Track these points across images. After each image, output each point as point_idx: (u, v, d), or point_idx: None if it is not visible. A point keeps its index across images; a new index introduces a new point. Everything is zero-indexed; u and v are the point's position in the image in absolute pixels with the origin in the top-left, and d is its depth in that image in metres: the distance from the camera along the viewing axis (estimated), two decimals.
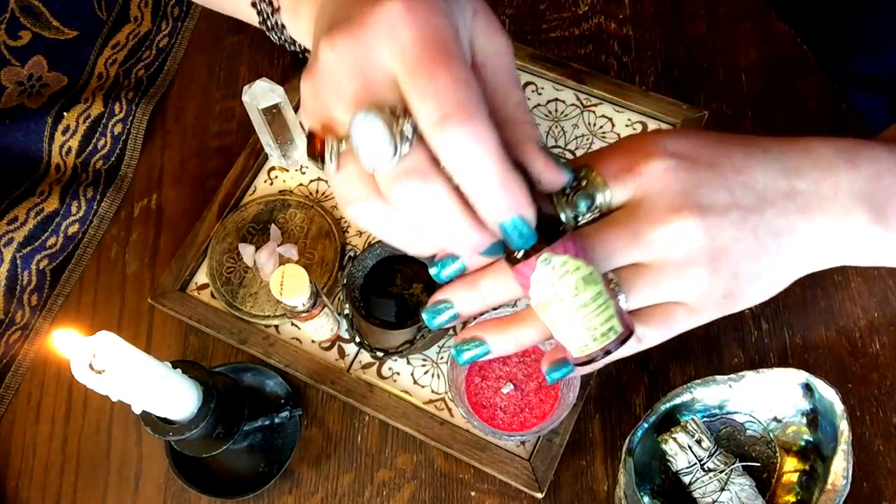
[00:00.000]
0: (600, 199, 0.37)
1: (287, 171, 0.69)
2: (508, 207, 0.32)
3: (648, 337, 0.39)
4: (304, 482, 0.59)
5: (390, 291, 0.61)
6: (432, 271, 0.38)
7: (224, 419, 0.52)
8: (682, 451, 0.51)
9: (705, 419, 0.54)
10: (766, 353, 0.59)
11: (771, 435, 0.54)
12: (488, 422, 0.56)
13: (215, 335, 0.63)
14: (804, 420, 0.53)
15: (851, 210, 0.39)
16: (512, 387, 0.57)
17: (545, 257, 0.34)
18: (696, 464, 0.51)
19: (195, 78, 0.76)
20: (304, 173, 0.69)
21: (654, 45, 0.72)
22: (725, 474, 0.51)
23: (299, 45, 0.48)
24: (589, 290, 0.35)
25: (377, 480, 0.58)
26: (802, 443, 0.53)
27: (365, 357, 0.62)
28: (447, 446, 0.57)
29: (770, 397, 0.53)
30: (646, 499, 0.52)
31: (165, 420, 0.49)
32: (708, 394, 0.53)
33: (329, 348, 0.62)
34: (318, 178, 0.69)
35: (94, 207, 0.69)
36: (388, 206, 0.34)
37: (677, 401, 0.53)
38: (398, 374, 0.61)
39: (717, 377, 0.53)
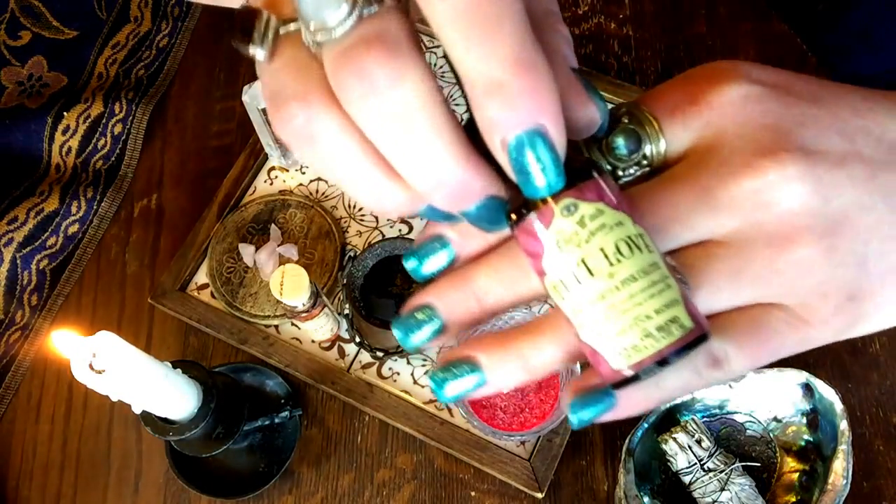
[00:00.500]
0: (649, 146, 0.25)
1: (287, 171, 0.69)
2: (529, 111, 0.20)
3: (733, 358, 0.24)
4: (304, 482, 0.59)
5: (390, 291, 0.61)
6: (409, 265, 0.26)
7: (224, 419, 0.52)
8: (682, 451, 0.51)
9: (705, 419, 0.54)
10: None
11: (771, 435, 0.54)
12: (488, 422, 0.56)
13: (215, 335, 0.63)
14: (804, 420, 0.53)
15: None
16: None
17: (568, 202, 0.22)
18: (696, 464, 0.51)
19: (195, 78, 0.76)
20: (304, 173, 0.69)
21: (654, 45, 0.73)
22: (725, 474, 0.51)
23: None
24: (637, 257, 0.22)
25: (377, 480, 0.58)
26: (802, 443, 0.53)
27: (365, 357, 0.62)
28: (447, 446, 0.57)
29: (770, 397, 0.53)
30: (646, 499, 0.52)
31: (165, 420, 0.49)
32: (708, 394, 0.53)
33: (329, 348, 0.62)
34: (318, 179, 0.69)
35: (94, 207, 0.69)
36: (336, 106, 0.22)
37: (677, 401, 0.53)
38: (398, 374, 0.61)
39: None
